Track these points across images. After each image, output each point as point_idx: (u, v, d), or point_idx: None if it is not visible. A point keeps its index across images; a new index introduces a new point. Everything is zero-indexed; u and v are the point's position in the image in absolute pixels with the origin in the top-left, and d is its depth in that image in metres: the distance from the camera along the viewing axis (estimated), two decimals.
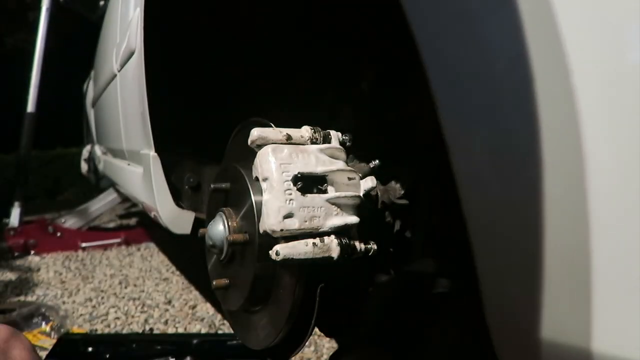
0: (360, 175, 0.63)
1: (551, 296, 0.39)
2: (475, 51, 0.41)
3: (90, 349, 1.58)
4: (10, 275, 2.69)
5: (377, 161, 0.68)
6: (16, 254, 3.12)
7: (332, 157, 0.60)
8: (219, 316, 1.98)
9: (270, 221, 0.54)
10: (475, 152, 0.42)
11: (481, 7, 0.40)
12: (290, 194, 0.55)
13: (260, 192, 0.58)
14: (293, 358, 0.66)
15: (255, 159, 0.59)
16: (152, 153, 1.12)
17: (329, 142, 0.62)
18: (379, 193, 0.69)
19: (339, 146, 0.62)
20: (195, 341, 1.60)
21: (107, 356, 1.54)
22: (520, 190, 0.39)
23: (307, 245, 0.55)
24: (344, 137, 0.63)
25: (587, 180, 0.36)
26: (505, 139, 0.40)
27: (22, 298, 2.32)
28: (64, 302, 2.24)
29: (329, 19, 0.91)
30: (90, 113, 3.04)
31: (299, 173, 0.57)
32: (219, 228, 0.66)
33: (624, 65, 0.34)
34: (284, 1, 0.93)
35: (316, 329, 0.64)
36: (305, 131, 0.61)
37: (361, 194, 0.61)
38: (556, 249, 0.38)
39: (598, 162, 0.35)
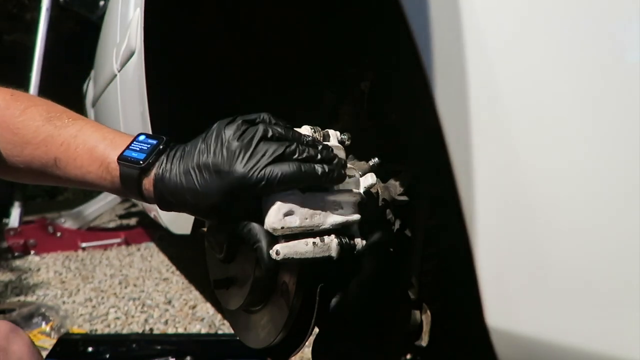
0: (360, 172, 0.63)
1: (554, 298, 0.39)
2: (474, 51, 0.41)
3: (90, 349, 1.58)
4: (10, 275, 2.69)
5: (377, 159, 0.68)
6: (16, 254, 3.12)
7: None
8: (219, 316, 1.98)
9: (270, 219, 0.54)
10: (474, 151, 0.42)
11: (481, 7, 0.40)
12: (290, 192, 0.55)
13: None
14: (293, 358, 0.66)
15: None
16: None
17: (328, 141, 0.62)
18: (379, 190, 0.69)
19: (337, 144, 0.62)
20: (195, 341, 1.60)
21: (107, 356, 1.54)
22: (521, 190, 0.39)
23: (307, 245, 0.55)
24: (343, 136, 0.64)
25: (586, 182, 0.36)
26: (505, 139, 0.40)
27: (22, 298, 2.32)
28: (64, 302, 2.25)
29: (329, 19, 0.91)
30: (90, 113, 3.04)
31: None
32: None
33: None
34: (285, 3, 0.93)
35: (316, 329, 0.65)
36: (305, 130, 0.61)
37: (361, 191, 0.61)
38: (558, 248, 0.38)
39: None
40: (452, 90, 0.42)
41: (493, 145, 0.40)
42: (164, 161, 0.57)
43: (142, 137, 0.61)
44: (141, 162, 0.57)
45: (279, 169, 0.52)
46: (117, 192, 0.62)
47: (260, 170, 0.52)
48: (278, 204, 0.54)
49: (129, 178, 0.58)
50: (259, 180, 0.52)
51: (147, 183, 0.57)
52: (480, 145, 0.40)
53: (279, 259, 0.54)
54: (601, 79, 0.35)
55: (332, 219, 0.57)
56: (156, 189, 0.57)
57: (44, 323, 1.87)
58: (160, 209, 0.59)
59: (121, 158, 0.58)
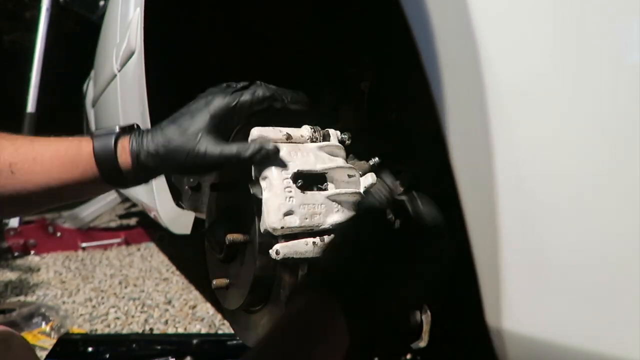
0: (360, 172, 0.64)
1: (554, 298, 0.39)
2: (474, 50, 0.41)
3: (90, 349, 1.58)
4: (10, 275, 2.69)
5: (377, 159, 0.68)
6: (16, 254, 3.11)
7: (331, 154, 0.60)
8: (219, 316, 1.98)
9: (270, 219, 0.54)
10: (474, 150, 0.42)
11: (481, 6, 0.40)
12: (290, 192, 0.55)
13: (260, 191, 0.58)
14: None
15: None
16: None
17: (328, 141, 0.62)
18: None
19: (338, 144, 0.62)
20: (195, 341, 1.60)
21: (107, 356, 1.54)
22: (522, 191, 0.39)
23: (307, 245, 0.55)
24: (343, 136, 0.64)
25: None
26: (506, 137, 0.40)
27: (22, 298, 2.32)
28: (64, 302, 2.24)
29: (329, 19, 0.91)
30: (90, 113, 3.04)
31: (298, 171, 0.57)
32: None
33: None
34: (285, 3, 0.93)
35: None
36: (306, 130, 0.61)
37: (361, 191, 0.61)
38: (559, 248, 0.38)
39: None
40: (460, 87, 0.42)
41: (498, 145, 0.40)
42: (144, 130, 0.58)
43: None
44: (117, 128, 0.57)
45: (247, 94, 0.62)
46: (86, 180, 0.57)
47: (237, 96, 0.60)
48: (278, 203, 0.54)
49: (105, 148, 0.56)
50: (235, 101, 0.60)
51: (125, 143, 0.56)
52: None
53: (278, 258, 0.54)
54: (601, 79, 0.35)
55: (332, 218, 0.57)
56: (132, 149, 0.55)
57: (44, 323, 1.87)
58: (137, 179, 0.57)
59: (96, 133, 0.57)
